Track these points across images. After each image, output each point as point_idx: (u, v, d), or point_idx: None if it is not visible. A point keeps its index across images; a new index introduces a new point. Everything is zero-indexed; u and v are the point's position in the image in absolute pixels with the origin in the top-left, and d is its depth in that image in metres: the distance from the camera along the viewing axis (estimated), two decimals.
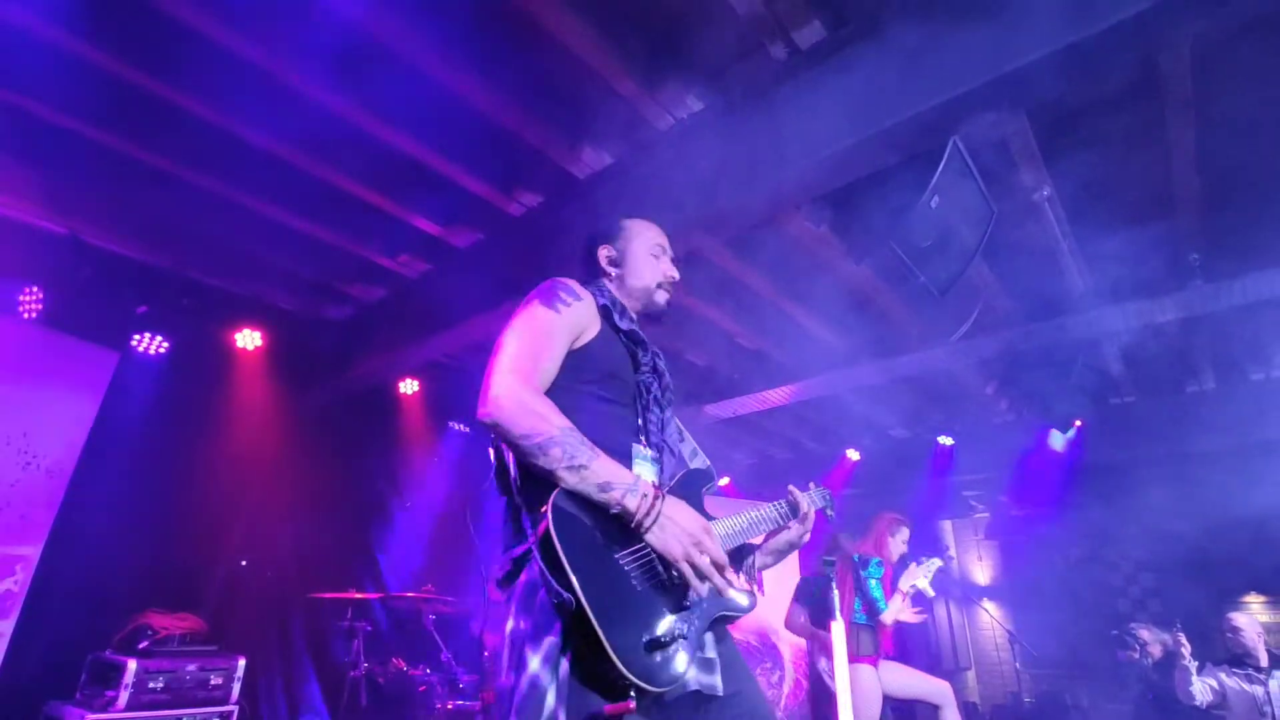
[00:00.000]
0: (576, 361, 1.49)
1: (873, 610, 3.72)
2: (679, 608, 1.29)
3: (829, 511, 1.83)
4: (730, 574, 1.37)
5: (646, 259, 1.76)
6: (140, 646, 3.24)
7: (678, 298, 4.05)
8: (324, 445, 4.67)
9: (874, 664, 3.73)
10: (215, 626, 3.60)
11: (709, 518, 1.45)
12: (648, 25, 2.47)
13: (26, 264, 3.28)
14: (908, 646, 7.95)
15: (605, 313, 1.61)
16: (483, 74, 2.64)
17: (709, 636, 1.37)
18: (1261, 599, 7.07)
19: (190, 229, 3.68)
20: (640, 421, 1.54)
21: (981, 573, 9.06)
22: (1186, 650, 3.95)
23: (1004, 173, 3.06)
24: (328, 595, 3.74)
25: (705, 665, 1.31)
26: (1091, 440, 6.25)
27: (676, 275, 1.81)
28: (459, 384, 5.15)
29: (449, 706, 3.50)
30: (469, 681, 3.66)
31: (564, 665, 1.18)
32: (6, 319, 3.15)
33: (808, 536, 1.67)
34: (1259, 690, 3.80)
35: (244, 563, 4.37)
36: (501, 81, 2.69)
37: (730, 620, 1.44)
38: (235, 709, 3.32)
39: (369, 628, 3.79)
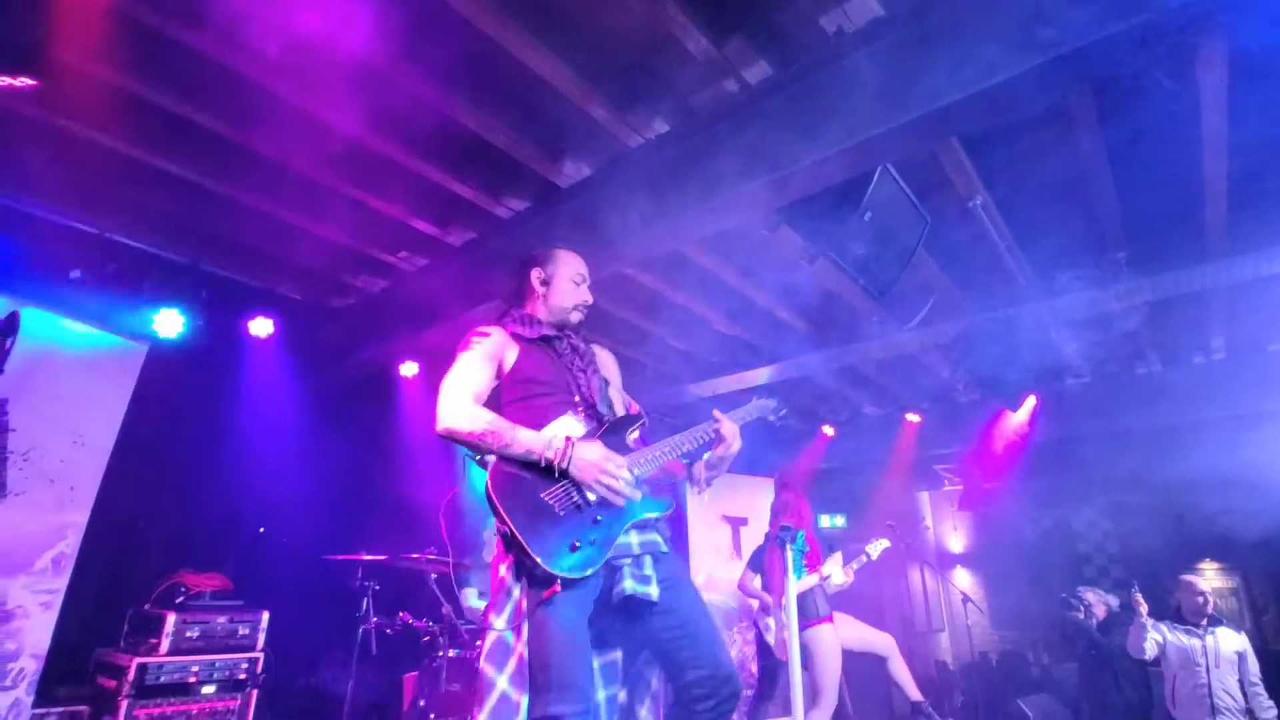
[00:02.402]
0: (511, 380, 2.02)
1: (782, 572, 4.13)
2: (592, 521, 1.79)
3: (771, 418, 2.31)
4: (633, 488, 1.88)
5: (569, 285, 2.20)
6: (177, 601, 3.68)
7: (658, 287, 4.44)
8: (333, 422, 5.04)
9: (830, 621, 4.16)
10: (239, 585, 4.04)
11: (629, 451, 1.95)
12: (614, 61, 2.81)
13: (69, 266, 3.65)
14: (886, 611, 8.48)
15: (516, 335, 2.08)
16: (473, 101, 2.98)
17: (648, 558, 1.85)
18: (1215, 565, 7.52)
19: (207, 228, 4.04)
20: (576, 396, 2.02)
21: (956, 541, 9.54)
22: (1143, 609, 4.29)
23: (939, 183, 3.42)
24: (340, 557, 4.17)
25: (642, 579, 1.80)
26: (1053, 417, 6.67)
27: (590, 300, 2.25)
28: None
29: (450, 654, 3.95)
30: (467, 632, 4.12)
31: (523, 575, 1.76)
32: (56, 314, 3.53)
33: (736, 446, 2.04)
34: (1196, 643, 4.17)
35: (262, 530, 4.81)
36: (490, 107, 3.04)
37: (649, 524, 1.91)
38: (261, 655, 3.78)
39: (377, 586, 4.22)
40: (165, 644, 3.48)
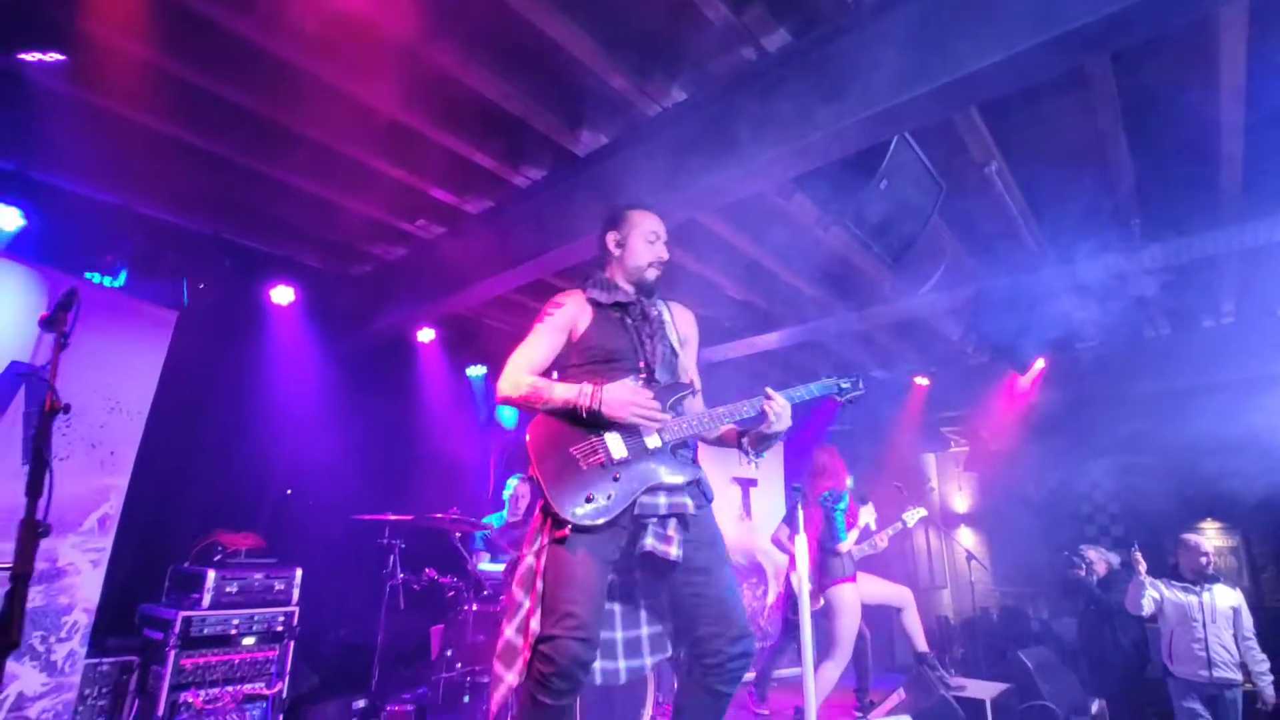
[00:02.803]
0: (579, 346, 2.14)
1: (834, 539, 4.26)
2: (611, 478, 1.94)
3: (842, 399, 2.25)
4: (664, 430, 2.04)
5: (642, 244, 2.24)
6: (215, 559, 3.86)
7: (673, 254, 4.48)
8: (353, 387, 5.17)
9: (853, 581, 4.29)
10: (271, 543, 4.21)
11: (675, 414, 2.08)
12: (635, 31, 2.82)
13: (101, 238, 3.73)
14: (891, 567, 8.70)
15: (594, 301, 2.18)
16: (493, 71, 3.00)
17: (673, 520, 1.94)
18: (1216, 524, 7.65)
19: (228, 198, 4.09)
20: (641, 363, 2.12)
21: (961, 501, 9.70)
22: (1142, 567, 4.36)
23: (954, 149, 3.43)
24: (366, 517, 4.35)
25: (663, 538, 1.90)
26: (1061, 381, 6.74)
27: (666, 256, 2.28)
28: (471, 333, 5.65)
29: (474, 608, 4.14)
30: (491, 586, 4.30)
31: (548, 516, 1.94)
32: (89, 285, 3.63)
33: (779, 425, 2.04)
34: (1192, 600, 4.23)
35: (289, 491, 4.98)
36: (510, 77, 3.05)
37: (680, 487, 1.99)
38: (297, 609, 3.97)
39: (403, 544, 4.41)
40: (207, 599, 3.67)
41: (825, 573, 4.23)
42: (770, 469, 7.28)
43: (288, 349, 4.91)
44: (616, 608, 2.03)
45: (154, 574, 3.97)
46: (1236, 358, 5.93)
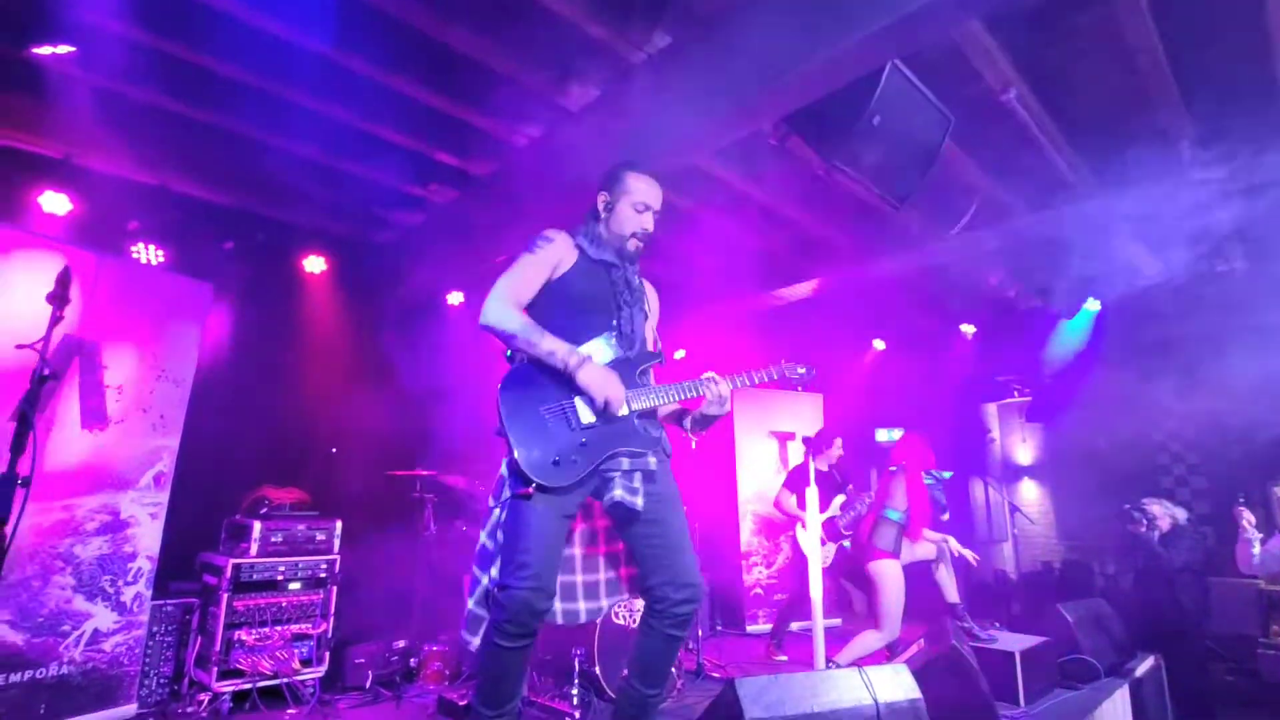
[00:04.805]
0: (560, 289, 2.12)
1: (939, 510, 4.34)
2: (578, 444, 1.98)
3: (797, 383, 2.33)
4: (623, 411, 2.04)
5: (628, 212, 2.20)
6: (261, 512, 4.18)
7: (683, 202, 4.40)
8: (389, 350, 5.39)
9: (896, 557, 4.18)
10: (315, 497, 4.51)
11: (635, 386, 2.10)
12: None
13: (141, 218, 4.00)
14: (947, 520, 8.50)
15: (581, 249, 2.17)
16: (477, 32, 2.99)
17: (638, 474, 2.00)
18: None
19: (256, 174, 4.28)
20: (615, 320, 2.14)
21: (1024, 453, 9.31)
22: (1249, 523, 4.07)
23: (966, 77, 3.19)
24: (401, 473, 4.59)
25: (630, 490, 1.97)
26: (1124, 322, 6.30)
27: (650, 229, 2.22)
28: None
29: None
30: None
31: (512, 471, 1.98)
32: (132, 262, 3.92)
33: (715, 410, 2.14)
34: None
35: (334, 450, 5.29)
36: (495, 37, 3.04)
37: (626, 453, 2.02)
38: (337, 558, 4.27)
39: (436, 499, 4.64)
40: (254, 547, 3.99)
41: (874, 540, 4.14)
42: (810, 422, 7.16)
43: (325, 314, 5.16)
44: (578, 552, 2.12)
45: (212, 525, 4.34)
46: None
